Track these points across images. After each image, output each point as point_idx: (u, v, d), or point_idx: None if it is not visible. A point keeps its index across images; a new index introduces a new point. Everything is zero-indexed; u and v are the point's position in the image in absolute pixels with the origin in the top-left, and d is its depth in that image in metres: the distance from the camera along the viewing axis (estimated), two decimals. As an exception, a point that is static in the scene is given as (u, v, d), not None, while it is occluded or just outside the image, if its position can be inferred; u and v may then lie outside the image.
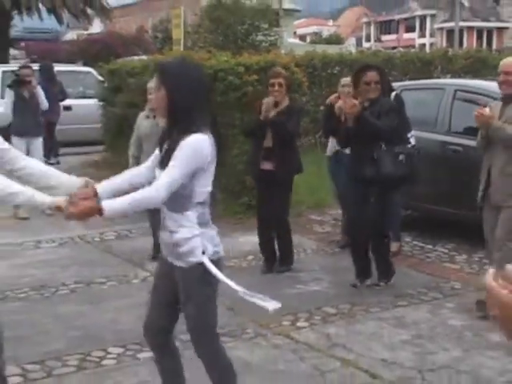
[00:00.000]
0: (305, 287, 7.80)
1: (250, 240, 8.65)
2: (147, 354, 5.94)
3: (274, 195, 8.22)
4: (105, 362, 5.87)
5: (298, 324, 6.69)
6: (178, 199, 4.20)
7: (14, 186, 4.42)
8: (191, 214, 4.24)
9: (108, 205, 4.09)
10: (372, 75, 7.59)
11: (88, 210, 4.09)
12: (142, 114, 8.83)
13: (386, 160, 7.48)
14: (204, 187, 4.27)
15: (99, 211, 4.05)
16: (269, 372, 5.68)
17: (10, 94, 11.79)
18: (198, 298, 4.34)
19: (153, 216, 8.86)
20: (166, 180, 4.11)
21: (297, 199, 10.38)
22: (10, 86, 11.85)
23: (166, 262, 4.44)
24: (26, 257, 9.02)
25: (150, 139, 8.38)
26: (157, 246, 8.76)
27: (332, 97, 8.68)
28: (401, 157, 7.57)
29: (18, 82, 11.70)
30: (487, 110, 6.81)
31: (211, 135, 4.23)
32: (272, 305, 4.49)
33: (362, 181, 7.65)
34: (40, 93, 11.78)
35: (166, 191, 4.09)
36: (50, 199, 4.44)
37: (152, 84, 8.76)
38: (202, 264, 4.25)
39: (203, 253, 4.25)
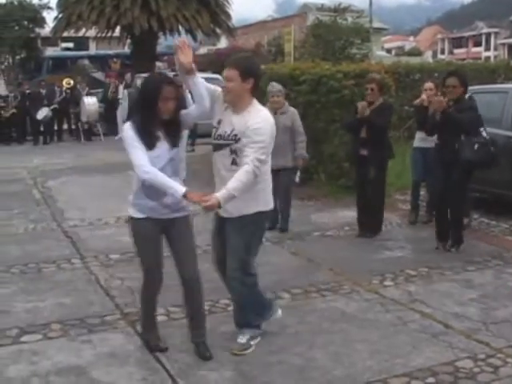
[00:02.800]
0: (391, 253, 7.70)
1: (346, 214, 8.59)
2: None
3: (369, 176, 8.17)
4: (230, 308, 5.90)
5: (385, 283, 6.62)
6: None
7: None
8: None
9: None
10: (450, 81, 7.53)
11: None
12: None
13: (464, 148, 7.43)
14: None
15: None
16: (360, 320, 5.65)
17: None
18: None
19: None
20: None
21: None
22: None
23: None
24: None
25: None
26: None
27: (418, 100, 8.57)
28: (476, 146, 7.45)
29: None
30: None
31: None
32: None
33: (445, 164, 7.59)
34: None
35: None
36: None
37: (273, 88, 8.76)
38: None
39: None
